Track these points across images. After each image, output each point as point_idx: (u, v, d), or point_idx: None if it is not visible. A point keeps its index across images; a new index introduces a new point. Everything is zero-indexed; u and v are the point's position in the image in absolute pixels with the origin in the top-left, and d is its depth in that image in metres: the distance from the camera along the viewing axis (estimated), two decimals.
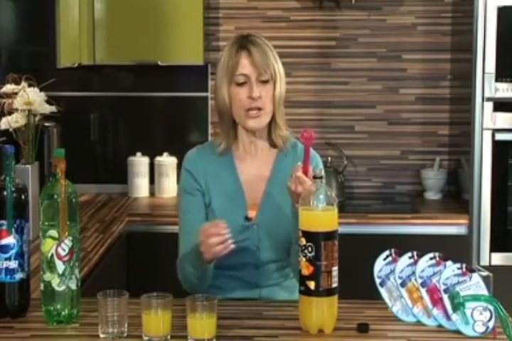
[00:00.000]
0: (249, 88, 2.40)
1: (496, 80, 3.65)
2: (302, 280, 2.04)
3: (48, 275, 2.06)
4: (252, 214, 2.46)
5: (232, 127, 2.47)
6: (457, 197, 4.11)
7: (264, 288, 2.47)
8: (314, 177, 2.10)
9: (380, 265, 2.16)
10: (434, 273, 2.10)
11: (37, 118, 3.20)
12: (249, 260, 2.45)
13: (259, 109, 2.41)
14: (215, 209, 2.46)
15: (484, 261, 3.67)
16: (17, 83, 3.17)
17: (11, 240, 2.08)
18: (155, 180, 4.18)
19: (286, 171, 2.38)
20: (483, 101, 3.67)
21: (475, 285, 2.08)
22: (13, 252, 2.09)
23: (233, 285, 2.47)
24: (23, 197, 2.11)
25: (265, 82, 2.42)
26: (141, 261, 3.74)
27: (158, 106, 4.32)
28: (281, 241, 2.44)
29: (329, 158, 4.18)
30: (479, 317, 2.03)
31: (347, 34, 4.26)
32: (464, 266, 2.10)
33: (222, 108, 2.45)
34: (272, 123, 2.46)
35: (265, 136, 2.49)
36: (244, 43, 2.43)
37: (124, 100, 4.31)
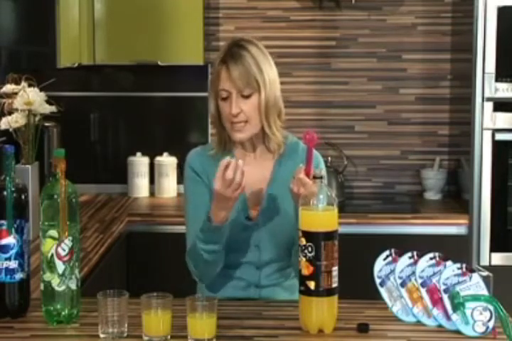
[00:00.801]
0: (229, 104, 2.39)
1: (496, 80, 3.65)
2: (302, 280, 2.04)
3: (47, 275, 2.06)
4: (253, 214, 2.46)
5: (224, 134, 2.48)
6: (457, 197, 4.11)
7: (265, 288, 2.47)
8: (314, 178, 2.10)
9: (380, 265, 2.16)
10: (434, 273, 2.10)
11: (37, 118, 3.20)
12: (250, 260, 2.45)
13: (245, 122, 2.41)
14: None
15: (484, 261, 3.67)
16: (17, 83, 3.17)
17: (11, 240, 2.08)
18: (155, 180, 4.18)
19: (286, 172, 2.38)
20: (483, 101, 3.67)
21: (475, 285, 2.08)
22: (13, 252, 2.09)
23: (233, 284, 2.47)
24: (23, 197, 2.11)
25: (248, 96, 2.39)
26: (141, 261, 3.74)
27: (158, 106, 4.32)
28: (283, 242, 2.44)
29: (329, 158, 4.17)
30: (479, 317, 2.03)
31: (347, 34, 4.26)
32: (464, 266, 2.10)
33: (212, 118, 2.48)
34: (264, 131, 2.46)
35: (261, 141, 2.49)
36: (225, 58, 2.39)
37: (124, 100, 4.31)
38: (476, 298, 2.05)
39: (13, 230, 2.08)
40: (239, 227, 2.42)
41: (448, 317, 2.06)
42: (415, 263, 2.12)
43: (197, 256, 2.40)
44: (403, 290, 2.12)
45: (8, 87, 3.16)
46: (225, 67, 2.38)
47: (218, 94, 2.41)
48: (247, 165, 2.48)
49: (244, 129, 2.41)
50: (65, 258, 2.05)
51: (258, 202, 2.47)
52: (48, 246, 2.05)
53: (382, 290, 2.15)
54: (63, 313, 2.07)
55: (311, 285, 2.02)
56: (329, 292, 2.03)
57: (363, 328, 2.05)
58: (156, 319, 1.97)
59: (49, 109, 3.21)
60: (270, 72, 2.41)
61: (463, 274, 2.08)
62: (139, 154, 4.21)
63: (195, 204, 2.46)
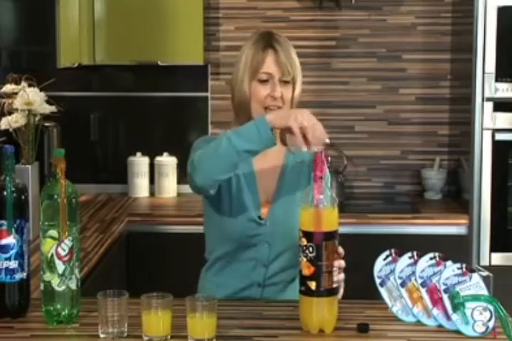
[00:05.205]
0: (271, 86, 2.41)
1: (496, 80, 3.65)
2: (303, 280, 2.04)
3: (47, 275, 2.06)
4: (263, 210, 2.46)
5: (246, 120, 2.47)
6: (457, 197, 4.11)
7: (267, 287, 2.47)
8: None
9: (380, 265, 2.16)
10: (434, 273, 2.10)
11: (37, 118, 3.20)
12: (258, 256, 2.45)
13: (279, 107, 2.42)
14: (226, 204, 2.44)
15: (484, 261, 3.67)
16: (17, 83, 3.17)
17: (11, 240, 2.08)
18: (155, 180, 4.18)
19: (295, 168, 2.45)
20: (483, 101, 3.67)
21: (475, 285, 2.08)
22: (13, 252, 2.09)
23: (236, 282, 2.47)
24: (23, 197, 2.11)
25: (287, 82, 2.43)
26: (141, 261, 3.74)
27: (158, 106, 4.32)
28: (293, 238, 2.43)
29: (329, 158, 4.17)
30: (479, 317, 2.03)
31: (347, 34, 4.26)
32: (464, 266, 2.10)
33: (242, 103, 2.44)
34: None
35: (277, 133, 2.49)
36: (270, 41, 2.44)
37: (124, 100, 4.31)
38: (476, 298, 2.05)
39: (13, 230, 2.08)
40: (249, 224, 2.43)
41: (448, 317, 2.06)
42: (415, 263, 2.12)
43: (213, 148, 2.23)
44: (403, 290, 2.12)
45: (8, 87, 3.16)
46: (273, 51, 2.42)
47: (256, 76, 2.41)
48: (259, 160, 2.47)
49: None
50: (65, 258, 2.05)
51: (269, 198, 2.47)
52: (48, 246, 2.05)
53: (382, 290, 2.15)
54: (63, 313, 2.07)
55: (312, 285, 2.02)
56: (330, 292, 2.03)
57: (363, 328, 2.05)
58: (156, 319, 1.97)
59: (49, 109, 3.21)
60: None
61: (463, 274, 2.08)
62: (139, 154, 4.21)
63: None
